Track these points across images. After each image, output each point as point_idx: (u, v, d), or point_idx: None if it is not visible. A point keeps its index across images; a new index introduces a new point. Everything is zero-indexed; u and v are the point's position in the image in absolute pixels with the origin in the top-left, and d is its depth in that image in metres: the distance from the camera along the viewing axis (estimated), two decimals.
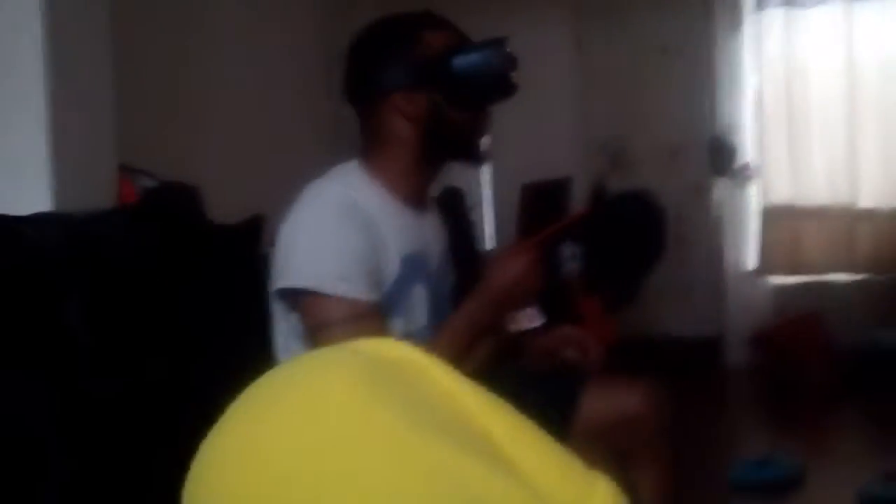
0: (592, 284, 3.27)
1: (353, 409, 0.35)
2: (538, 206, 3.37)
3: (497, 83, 1.31)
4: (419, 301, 1.31)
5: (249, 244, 1.55)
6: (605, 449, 1.24)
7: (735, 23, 4.09)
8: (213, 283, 1.42)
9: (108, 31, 1.74)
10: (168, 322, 1.32)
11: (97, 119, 1.69)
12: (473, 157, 1.38)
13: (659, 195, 3.41)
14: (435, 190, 1.51)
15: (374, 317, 1.20)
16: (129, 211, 1.54)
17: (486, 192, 4.36)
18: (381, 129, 1.30)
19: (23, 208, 1.31)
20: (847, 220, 3.91)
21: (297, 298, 1.22)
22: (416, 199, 1.34)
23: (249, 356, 1.38)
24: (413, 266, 1.29)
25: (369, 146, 1.33)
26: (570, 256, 2.76)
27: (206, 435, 0.37)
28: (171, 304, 1.33)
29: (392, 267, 1.25)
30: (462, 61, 1.26)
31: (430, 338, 1.26)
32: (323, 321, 1.17)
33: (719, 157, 4.11)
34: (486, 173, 4.41)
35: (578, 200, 3.56)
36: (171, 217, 1.51)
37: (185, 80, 2.48)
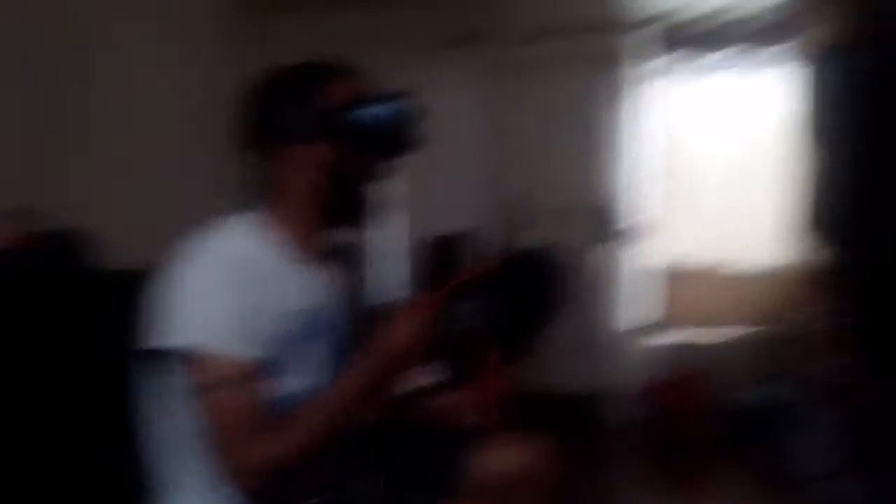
0: (491, 338, 3.29)
1: None
2: (442, 259, 3.40)
3: (396, 137, 1.28)
4: (314, 358, 1.28)
5: (138, 292, 1.49)
6: None
7: (628, 85, 4.27)
8: (97, 330, 1.35)
9: None
10: (45, 368, 1.25)
11: None
12: (358, 213, 1.33)
13: (557, 253, 3.49)
14: (333, 244, 1.48)
15: (254, 375, 1.15)
16: (14, 254, 1.47)
17: (395, 244, 4.37)
18: (277, 179, 1.28)
19: None
20: (733, 278, 4.11)
21: (171, 359, 1.17)
22: (312, 252, 1.31)
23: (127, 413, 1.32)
24: (306, 322, 1.26)
25: (265, 196, 1.30)
26: (470, 311, 2.76)
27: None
28: (49, 351, 1.26)
29: (280, 323, 1.21)
30: (362, 114, 1.24)
31: (317, 397, 1.22)
32: (202, 382, 1.13)
33: (611, 216, 4.26)
34: (394, 225, 4.42)
35: (484, 254, 3.60)
36: (55, 262, 1.44)
37: (82, 123, 2.41)
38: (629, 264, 4.28)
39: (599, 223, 4.29)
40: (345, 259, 1.50)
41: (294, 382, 1.24)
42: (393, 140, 1.28)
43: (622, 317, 4.27)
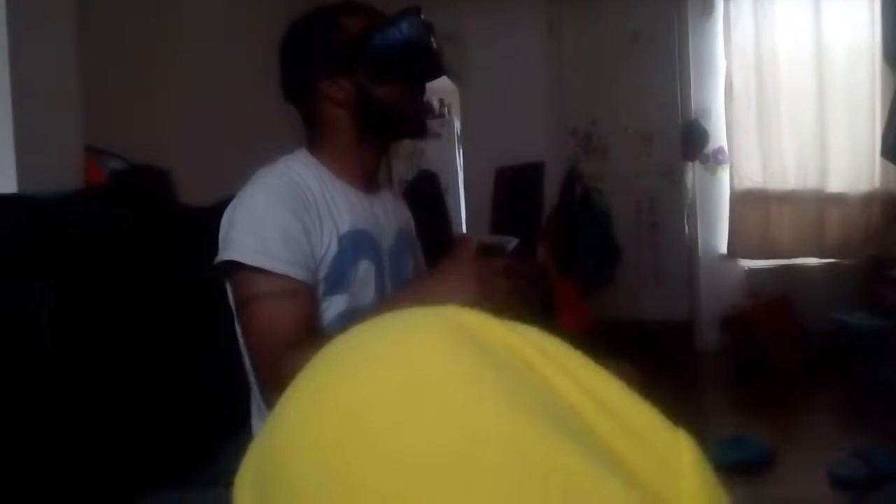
0: (566, 270, 3.28)
1: (453, 376, 0.34)
2: (512, 190, 3.37)
3: (415, 53, 1.30)
4: (366, 278, 1.30)
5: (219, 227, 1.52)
6: None
7: (706, 10, 4.11)
8: (183, 265, 1.39)
9: (74, 11, 1.70)
10: (138, 304, 1.29)
11: (63, 100, 1.66)
12: (413, 130, 1.38)
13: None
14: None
15: (303, 295, 1.18)
16: (97, 192, 1.51)
17: (461, 175, 4.34)
18: (316, 119, 1.32)
19: None
20: (816, 204, 3.96)
21: (228, 273, 1.21)
22: (362, 179, 1.35)
23: (221, 338, 1.36)
24: (357, 243, 1.28)
25: (311, 136, 1.35)
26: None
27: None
28: (141, 286, 1.30)
29: (329, 244, 1.24)
30: (376, 39, 1.27)
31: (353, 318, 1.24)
32: (249, 294, 1.16)
33: (691, 142, 4.14)
34: (460, 157, 4.40)
35: (551, 184, 3.56)
36: (140, 199, 1.47)
37: (156, 62, 2.44)
38: (712, 190, 4.18)
39: (681, 148, 4.18)
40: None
41: (346, 301, 1.26)
42: (409, 58, 1.29)
43: (707, 243, 4.20)
